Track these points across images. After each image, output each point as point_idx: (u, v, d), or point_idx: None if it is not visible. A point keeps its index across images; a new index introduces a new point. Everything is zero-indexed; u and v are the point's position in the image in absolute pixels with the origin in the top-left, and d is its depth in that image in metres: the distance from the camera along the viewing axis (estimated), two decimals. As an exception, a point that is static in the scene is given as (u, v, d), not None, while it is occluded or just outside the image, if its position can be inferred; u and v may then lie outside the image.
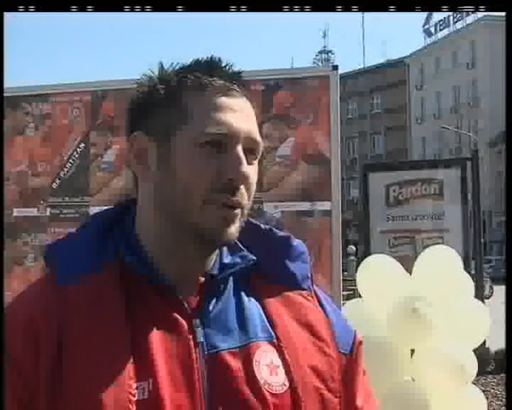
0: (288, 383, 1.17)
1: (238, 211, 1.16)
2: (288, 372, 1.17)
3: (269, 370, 1.16)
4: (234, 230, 1.16)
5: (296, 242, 1.29)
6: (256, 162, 1.20)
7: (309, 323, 1.24)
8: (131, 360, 1.09)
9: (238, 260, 1.24)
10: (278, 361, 1.18)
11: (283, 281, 1.25)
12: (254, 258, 1.24)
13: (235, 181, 1.14)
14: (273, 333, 1.20)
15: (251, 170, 1.17)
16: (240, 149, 1.15)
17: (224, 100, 1.16)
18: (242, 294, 1.23)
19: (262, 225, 1.30)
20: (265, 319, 1.21)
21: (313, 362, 1.21)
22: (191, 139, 1.14)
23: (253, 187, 1.19)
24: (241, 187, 1.15)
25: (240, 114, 1.17)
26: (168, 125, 1.17)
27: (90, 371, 1.08)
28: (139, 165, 1.20)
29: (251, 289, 1.24)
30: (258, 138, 1.19)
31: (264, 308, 1.22)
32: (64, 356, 1.09)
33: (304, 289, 1.27)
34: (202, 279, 1.20)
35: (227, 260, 1.24)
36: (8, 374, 1.10)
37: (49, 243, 1.22)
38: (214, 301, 1.19)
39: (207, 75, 1.17)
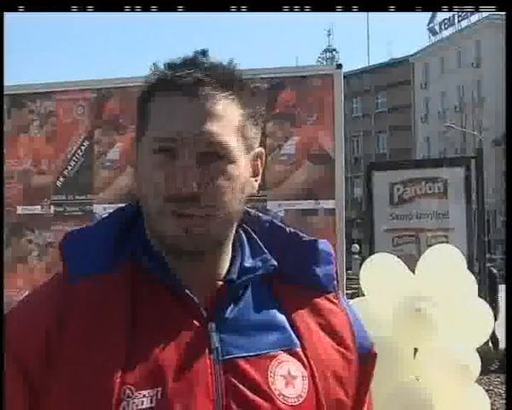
0: (304, 395, 1.13)
1: (197, 219, 1.10)
2: (313, 383, 1.15)
3: (284, 381, 1.13)
4: (201, 238, 1.11)
5: (321, 244, 1.26)
6: (230, 165, 1.12)
7: (334, 329, 1.21)
8: (129, 365, 1.06)
9: (259, 264, 1.19)
10: (297, 372, 1.14)
11: (309, 286, 1.22)
12: (275, 263, 1.20)
13: (183, 191, 1.08)
14: (298, 342, 1.17)
15: (210, 175, 1.10)
16: (190, 155, 1.09)
17: (179, 102, 1.10)
18: (264, 299, 1.19)
19: (287, 228, 1.26)
20: (289, 327, 1.18)
21: (337, 371, 1.19)
22: (147, 146, 1.12)
23: (218, 192, 1.11)
24: (200, 196, 1.09)
25: (196, 116, 1.10)
26: (137, 131, 1.16)
27: (77, 374, 1.06)
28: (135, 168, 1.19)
29: (274, 293, 1.20)
30: (220, 140, 1.10)
31: (288, 315, 1.18)
32: (60, 355, 1.08)
33: (329, 292, 1.23)
34: (220, 283, 1.17)
35: (248, 263, 1.19)
36: (13, 378, 1.09)
37: (65, 239, 1.19)
38: (232, 305, 1.16)
39: (176, 71, 1.12)
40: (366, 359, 1.25)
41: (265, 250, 1.21)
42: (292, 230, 1.26)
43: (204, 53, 1.16)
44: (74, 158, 3.91)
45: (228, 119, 1.13)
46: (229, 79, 1.15)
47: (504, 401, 7.18)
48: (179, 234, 1.10)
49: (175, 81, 1.11)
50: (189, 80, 1.11)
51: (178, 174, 1.09)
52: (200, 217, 1.10)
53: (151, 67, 1.18)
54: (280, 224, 1.27)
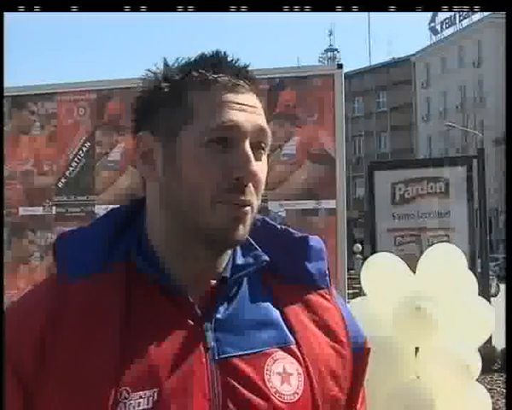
0: (300, 392, 1.14)
1: (248, 209, 1.12)
2: (308, 379, 1.15)
3: (280, 378, 1.13)
4: (244, 229, 1.13)
5: (313, 241, 1.26)
6: (265, 158, 1.17)
7: (327, 325, 1.22)
8: (125, 366, 1.06)
9: (251, 260, 1.20)
10: (292, 369, 1.15)
11: (302, 282, 1.22)
12: (267, 258, 1.21)
13: (244, 180, 1.11)
14: (293, 339, 1.17)
15: (259, 167, 1.13)
16: (247, 145, 1.11)
17: (229, 96, 1.12)
18: (258, 296, 1.20)
19: (278, 226, 1.27)
20: (284, 324, 1.18)
21: (331, 367, 1.19)
22: (196, 138, 1.11)
23: (262, 184, 1.15)
24: (250, 185, 1.12)
25: (246, 109, 1.13)
26: (173, 124, 1.14)
27: (72, 376, 1.06)
28: (145, 165, 1.17)
29: (268, 290, 1.21)
30: (267, 129, 1.15)
31: (282, 311, 1.19)
32: (54, 357, 1.07)
33: (322, 288, 1.24)
34: (214, 282, 1.17)
35: (240, 261, 1.20)
36: (9, 380, 1.09)
37: (58, 240, 1.19)
38: (226, 304, 1.16)
39: (212, 71, 1.14)
40: (360, 354, 1.26)
41: (257, 247, 1.22)
42: (283, 227, 1.27)
43: (224, 53, 1.18)
44: (76, 159, 3.92)
45: (262, 113, 1.17)
46: (253, 79, 1.18)
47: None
48: (230, 225, 1.11)
49: (214, 78, 1.13)
50: (229, 78, 1.14)
51: (241, 163, 1.10)
52: (250, 206, 1.13)
53: (158, 66, 1.20)
54: (271, 222, 1.27)
